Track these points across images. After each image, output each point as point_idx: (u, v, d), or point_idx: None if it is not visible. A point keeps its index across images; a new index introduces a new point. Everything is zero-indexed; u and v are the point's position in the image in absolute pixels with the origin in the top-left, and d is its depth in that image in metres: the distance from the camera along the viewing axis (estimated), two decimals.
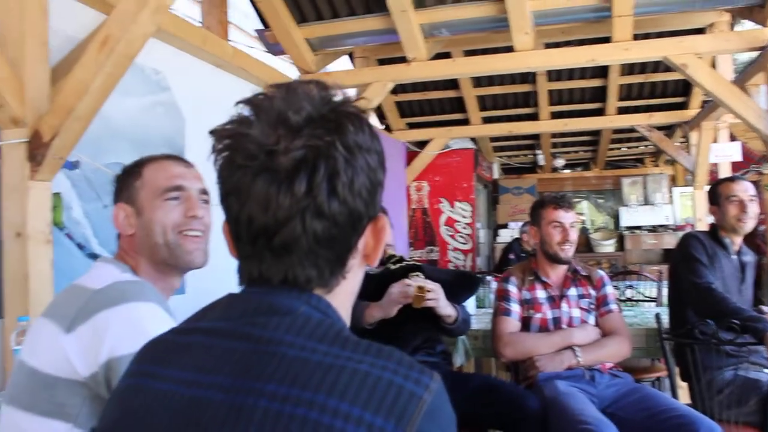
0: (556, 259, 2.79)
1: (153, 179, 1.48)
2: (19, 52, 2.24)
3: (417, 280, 2.43)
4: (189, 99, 3.30)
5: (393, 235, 2.80)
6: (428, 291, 2.39)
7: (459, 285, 2.80)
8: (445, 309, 2.49)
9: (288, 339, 0.67)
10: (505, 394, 2.43)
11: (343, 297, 0.77)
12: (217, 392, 0.66)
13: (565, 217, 2.76)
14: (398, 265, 2.64)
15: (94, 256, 2.58)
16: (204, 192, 1.53)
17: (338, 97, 0.74)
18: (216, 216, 0.82)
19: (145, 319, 1.25)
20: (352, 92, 6.07)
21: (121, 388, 0.76)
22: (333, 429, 0.61)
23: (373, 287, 2.52)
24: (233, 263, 0.77)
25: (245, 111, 0.72)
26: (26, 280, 2.22)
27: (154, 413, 0.69)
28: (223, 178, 0.73)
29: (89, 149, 2.57)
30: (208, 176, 0.76)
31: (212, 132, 0.73)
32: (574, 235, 2.77)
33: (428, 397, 0.65)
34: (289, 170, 0.68)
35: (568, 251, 2.77)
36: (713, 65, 5.19)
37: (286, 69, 4.81)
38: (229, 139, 0.72)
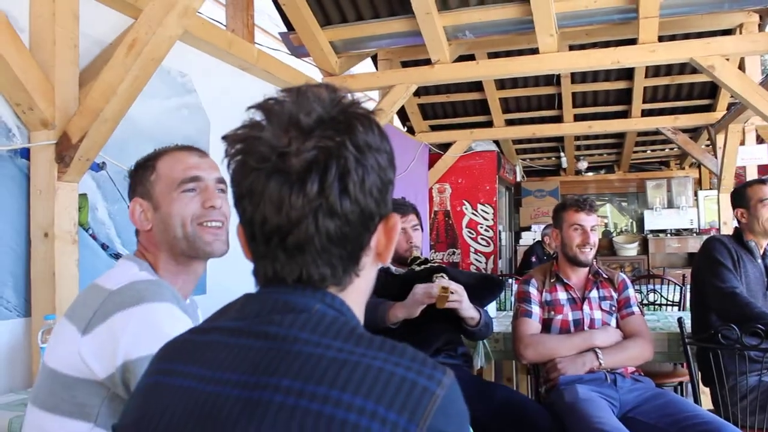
0: (576, 262, 2.78)
1: (168, 172, 1.46)
2: (49, 56, 2.29)
3: (441, 281, 2.43)
4: (214, 101, 3.34)
5: (421, 238, 2.80)
6: (452, 292, 2.39)
7: (482, 288, 2.80)
8: (468, 311, 2.49)
9: (303, 336, 0.69)
10: (528, 414, 2.42)
11: (356, 295, 0.79)
12: (234, 388, 0.68)
13: (586, 220, 2.75)
14: (422, 267, 2.65)
15: (117, 256, 2.63)
16: (221, 181, 1.51)
17: (347, 99, 0.76)
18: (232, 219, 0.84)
19: (162, 320, 1.25)
20: (373, 95, 6.10)
21: (142, 386, 0.79)
22: (347, 423, 0.62)
23: (398, 288, 2.53)
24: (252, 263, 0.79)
25: (257, 116, 0.74)
26: (53, 280, 2.27)
27: (173, 409, 0.71)
28: (237, 181, 0.75)
29: (114, 151, 2.62)
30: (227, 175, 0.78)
31: (225, 137, 0.75)
32: (594, 239, 2.75)
33: (441, 393, 0.66)
34: (301, 171, 0.70)
35: (588, 254, 2.75)
36: (741, 67, 5.13)
37: (310, 71, 4.84)
38: (242, 143, 0.74)
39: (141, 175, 1.48)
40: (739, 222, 2.88)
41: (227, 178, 0.77)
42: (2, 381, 2.22)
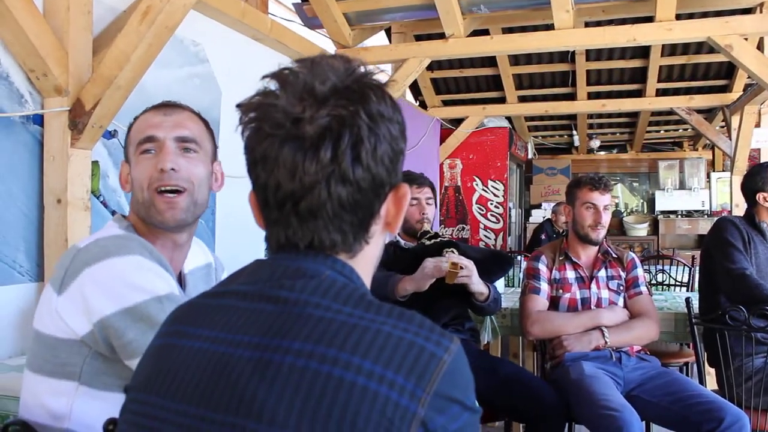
0: (586, 240, 2.78)
1: (134, 132, 1.40)
2: (63, 22, 2.28)
3: (451, 256, 2.44)
4: (226, 71, 3.33)
5: (434, 214, 2.81)
6: (461, 267, 2.40)
7: (492, 263, 2.81)
8: (477, 286, 2.50)
9: (314, 300, 0.70)
10: (533, 391, 2.44)
11: (365, 263, 0.80)
12: (246, 349, 0.69)
13: (600, 199, 2.74)
14: (433, 241, 2.66)
15: None
16: (184, 140, 1.38)
17: (361, 70, 0.77)
18: (243, 187, 0.84)
19: (129, 272, 1.22)
20: (386, 68, 6.06)
21: (154, 347, 0.80)
22: (355, 385, 0.64)
23: (408, 261, 2.54)
24: (260, 233, 0.80)
25: (271, 85, 0.75)
26: (65, 245, 2.30)
27: (185, 369, 0.73)
28: (251, 147, 0.75)
29: (127, 119, 2.58)
30: (239, 149, 0.78)
31: (239, 105, 0.76)
32: (606, 218, 2.75)
33: (448, 359, 0.67)
34: (315, 138, 0.71)
35: (600, 233, 2.75)
36: (760, 47, 5.06)
37: (324, 43, 4.81)
38: (256, 110, 0.75)
39: (126, 136, 1.44)
40: (756, 204, 2.82)
41: (241, 146, 0.78)
42: (15, 344, 2.26)
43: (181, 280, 1.49)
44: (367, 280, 0.81)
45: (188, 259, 1.52)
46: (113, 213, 2.63)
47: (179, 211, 1.36)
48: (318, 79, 0.73)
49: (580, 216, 2.77)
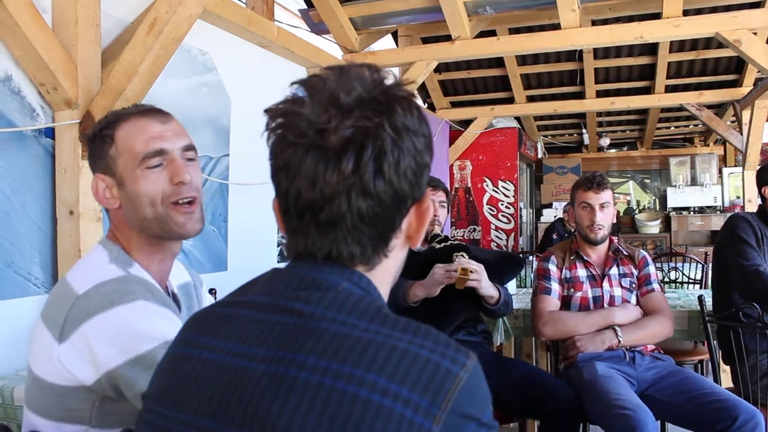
0: (587, 240, 2.77)
1: (129, 144, 1.29)
2: (72, 35, 2.31)
3: (461, 261, 2.44)
4: (234, 79, 3.35)
5: (445, 217, 2.82)
6: (471, 272, 2.40)
7: (502, 265, 2.80)
8: (488, 290, 2.50)
9: (329, 314, 0.70)
10: (548, 388, 2.44)
11: (383, 275, 0.80)
12: (260, 363, 0.69)
13: (595, 198, 2.72)
14: (443, 245, 2.66)
15: None
16: (188, 148, 1.35)
17: (389, 80, 0.76)
18: (266, 193, 0.84)
19: (135, 322, 1.17)
20: (393, 71, 6.06)
21: (168, 357, 0.81)
22: (370, 403, 0.63)
23: (418, 266, 2.54)
24: (272, 240, 0.81)
25: (299, 92, 0.75)
26: (78, 256, 2.32)
27: (200, 381, 0.73)
28: (275, 154, 0.75)
29: None
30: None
31: (267, 110, 0.76)
32: (603, 216, 2.72)
33: (464, 375, 0.67)
34: (338, 148, 0.71)
35: (599, 233, 2.73)
36: None
37: (330, 49, 4.82)
38: (282, 118, 0.75)
39: (100, 147, 1.31)
40: (765, 200, 2.83)
41: (265, 152, 0.77)
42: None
43: (174, 298, 1.44)
44: (384, 292, 0.80)
45: (173, 275, 1.46)
46: None
47: (197, 221, 1.35)
48: (344, 89, 0.73)
49: (578, 217, 2.78)
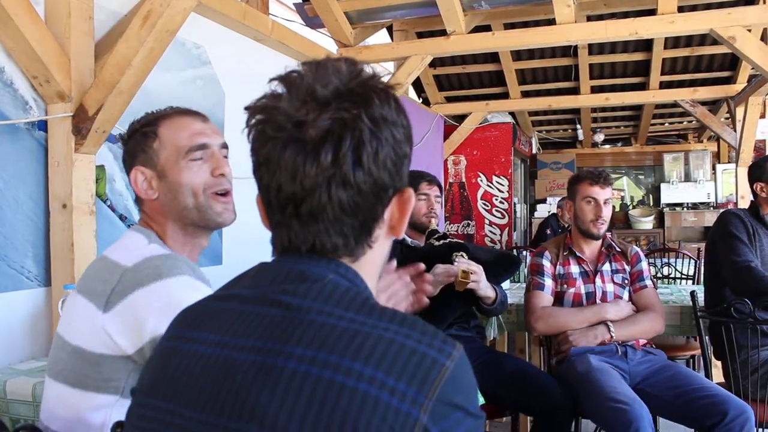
0: (588, 235, 2.78)
1: (173, 139, 1.40)
2: (65, 28, 2.30)
3: (461, 262, 2.42)
4: (229, 73, 3.34)
5: (441, 212, 2.83)
6: (471, 274, 2.40)
7: (500, 265, 2.79)
8: (485, 291, 2.49)
9: (316, 306, 0.71)
10: (540, 385, 2.45)
11: (369, 266, 0.81)
12: (249, 353, 0.70)
13: (600, 193, 2.74)
14: (442, 242, 2.65)
15: None
16: (225, 146, 1.47)
17: (366, 73, 0.77)
18: (248, 188, 0.85)
19: (182, 294, 1.23)
20: (388, 66, 6.06)
21: (159, 350, 0.82)
22: (357, 391, 0.64)
23: (416, 261, 2.53)
24: (267, 234, 0.81)
25: (278, 87, 0.76)
26: (71, 250, 2.31)
27: (190, 373, 0.74)
28: (256, 149, 0.77)
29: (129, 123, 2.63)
30: (244, 150, 0.79)
31: (247, 107, 0.77)
32: (607, 212, 2.75)
33: (450, 365, 0.67)
34: (316, 141, 0.72)
35: (601, 228, 2.75)
36: (764, 38, 5.03)
37: (325, 43, 4.81)
38: (261, 113, 0.76)
39: (141, 142, 1.42)
40: (756, 196, 2.85)
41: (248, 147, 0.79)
42: (24, 348, 2.28)
43: None
44: (371, 284, 0.81)
45: None
46: (121, 217, 2.64)
47: (231, 212, 1.46)
48: (320, 83, 0.74)
49: (581, 211, 2.77)
